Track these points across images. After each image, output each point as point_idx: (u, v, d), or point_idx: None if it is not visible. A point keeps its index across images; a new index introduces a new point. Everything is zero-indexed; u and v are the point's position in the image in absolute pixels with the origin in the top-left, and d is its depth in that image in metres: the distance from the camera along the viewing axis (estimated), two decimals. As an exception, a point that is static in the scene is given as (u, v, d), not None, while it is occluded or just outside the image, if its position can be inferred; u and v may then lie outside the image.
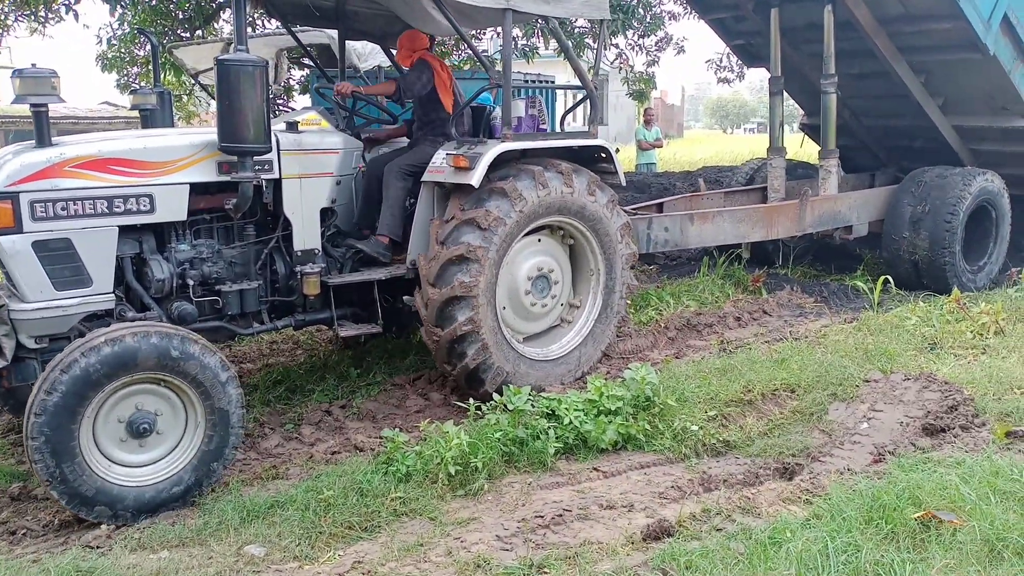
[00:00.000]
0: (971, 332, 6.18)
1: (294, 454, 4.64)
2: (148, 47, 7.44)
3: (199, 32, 11.10)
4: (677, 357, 6.22)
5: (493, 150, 5.01)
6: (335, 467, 4.20)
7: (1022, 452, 4.19)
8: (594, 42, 15.30)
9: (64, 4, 11.35)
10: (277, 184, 4.87)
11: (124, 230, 4.33)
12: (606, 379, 5.05)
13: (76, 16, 11.26)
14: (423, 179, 5.24)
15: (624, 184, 5.74)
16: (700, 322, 7.02)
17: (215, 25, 12.01)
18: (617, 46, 15.36)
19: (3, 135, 14.08)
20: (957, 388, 5.05)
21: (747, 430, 4.73)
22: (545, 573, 3.18)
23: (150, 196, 4.36)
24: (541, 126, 5.88)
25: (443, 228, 5.01)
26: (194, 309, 4.56)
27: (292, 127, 4.98)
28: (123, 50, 15.11)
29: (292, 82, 17.14)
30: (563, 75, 25.16)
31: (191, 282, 4.57)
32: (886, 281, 7.46)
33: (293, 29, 6.35)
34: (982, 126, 8.26)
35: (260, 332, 5.02)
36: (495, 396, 4.74)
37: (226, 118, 4.08)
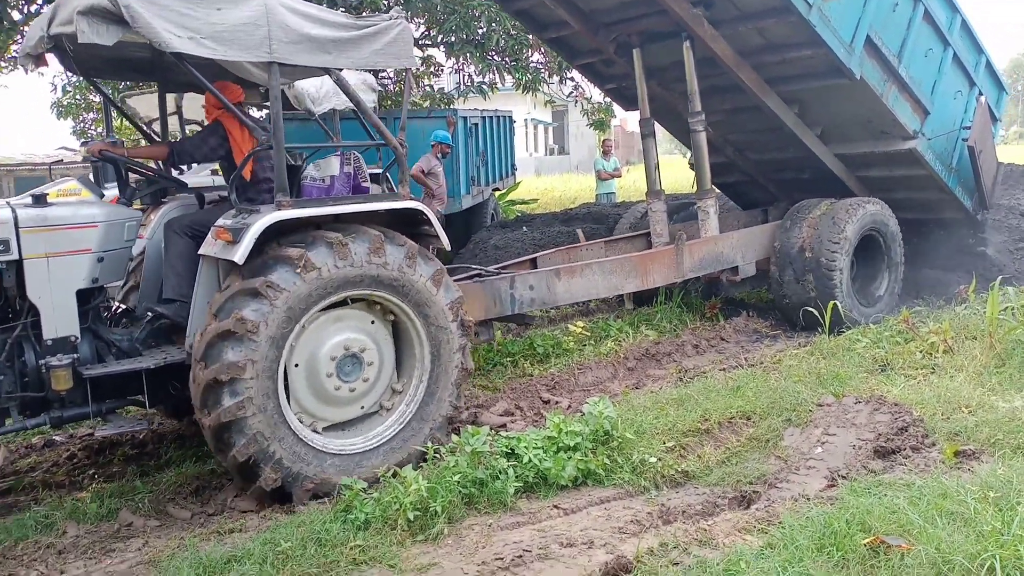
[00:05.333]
0: (920, 352, 6.30)
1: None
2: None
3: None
4: (637, 387, 6.30)
5: (261, 222, 4.36)
6: (292, 517, 4.17)
7: (970, 471, 4.29)
8: (550, 76, 15.64)
9: (17, 52, 11.30)
10: (17, 265, 4.36)
11: None
12: (565, 415, 5.09)
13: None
14: (200, 252, 4.63)
15: (449, 248, 5.22)
16: (659, 351, 7.13)
17: None
18: (573, 78, 15.64)
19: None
20: (907, 409, 5.17)
21: (705, 459, 4.79)
22: (504, 617, 3.19)
23: None
24: (363, 184, 5.31)
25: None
26: None
27: (39, 200, 4.48)
28: (78, 96, 15.08)
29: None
30: (522, 108, 25.49)
31: None
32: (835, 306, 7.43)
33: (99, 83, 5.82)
34: (865, 152, 7.97)
35: (7, 432, 4.45)
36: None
37: None
